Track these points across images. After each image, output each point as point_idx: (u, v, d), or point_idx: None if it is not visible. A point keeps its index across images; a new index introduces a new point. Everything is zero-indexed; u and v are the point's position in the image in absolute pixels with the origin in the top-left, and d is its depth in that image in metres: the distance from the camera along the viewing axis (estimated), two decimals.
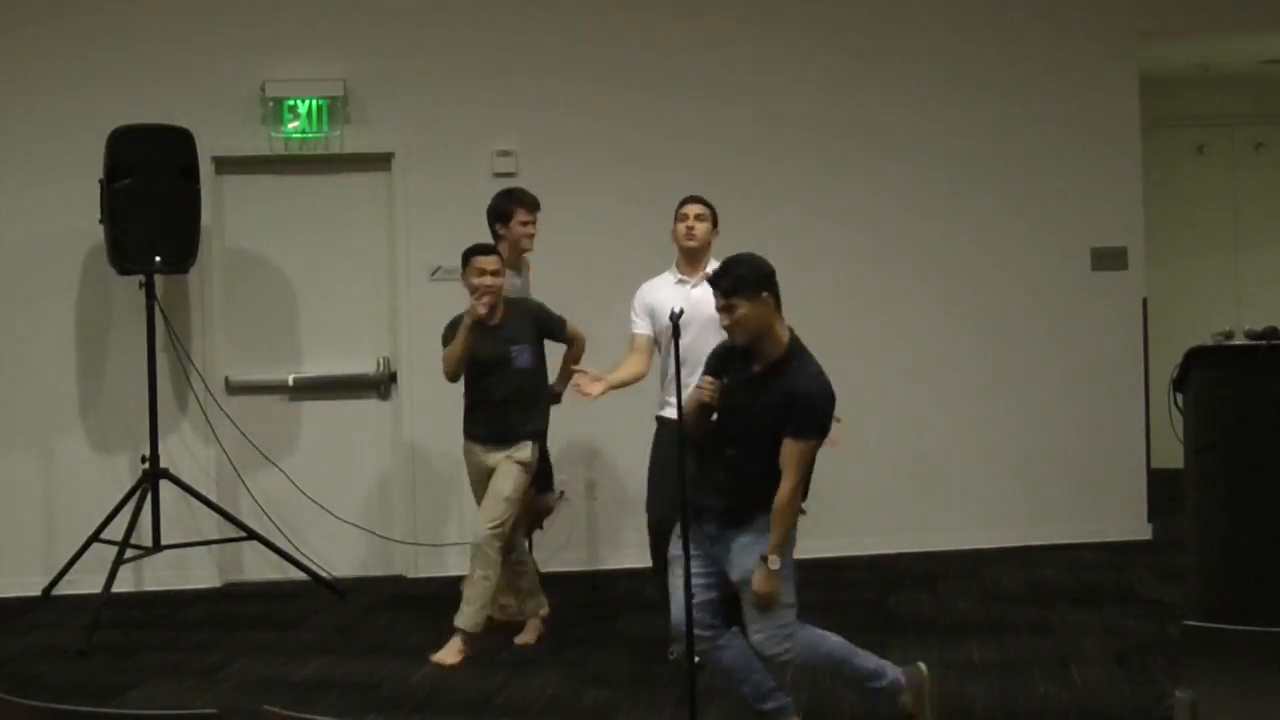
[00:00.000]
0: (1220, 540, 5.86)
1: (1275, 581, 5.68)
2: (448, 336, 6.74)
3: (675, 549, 5.16)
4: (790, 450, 4.99)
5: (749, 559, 5.09)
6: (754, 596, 5.07)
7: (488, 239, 6.95)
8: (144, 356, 7.78)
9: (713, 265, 6.42)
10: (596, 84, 8.52)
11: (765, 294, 5.11)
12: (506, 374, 6.68)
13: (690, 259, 6.47)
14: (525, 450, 6.67)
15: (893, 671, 5.26)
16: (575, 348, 6.91)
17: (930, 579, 7.90)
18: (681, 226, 6.46)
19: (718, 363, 5.27)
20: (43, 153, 8.20)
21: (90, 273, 8.17)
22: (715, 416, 5.18)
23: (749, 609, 5.14)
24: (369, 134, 8.41)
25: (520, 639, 6.82)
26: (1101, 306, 8.76)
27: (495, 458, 6.67)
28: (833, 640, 5.24)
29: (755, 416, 5.07)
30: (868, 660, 5.26)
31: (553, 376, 6.97)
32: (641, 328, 6.49)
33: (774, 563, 5.02)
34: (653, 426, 6.52)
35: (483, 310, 6.49)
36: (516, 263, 7.12)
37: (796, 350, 5.15)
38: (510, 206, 7.14)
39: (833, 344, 8.48)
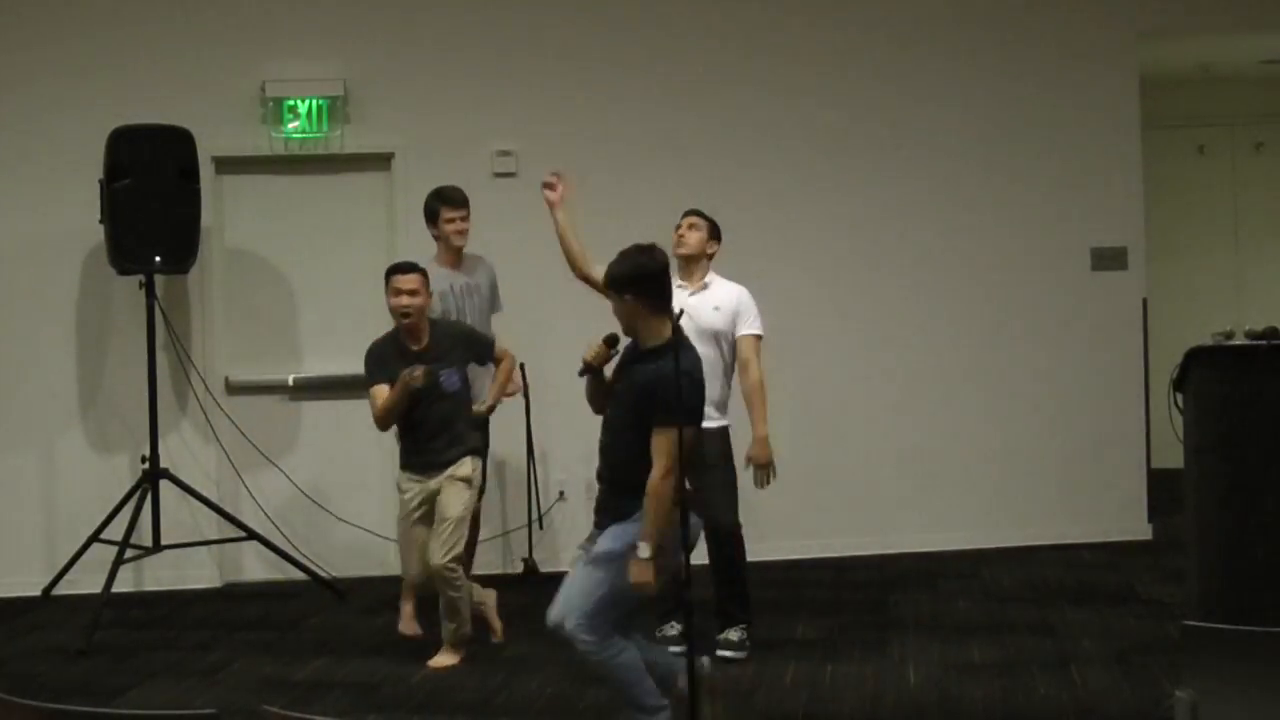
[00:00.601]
0: (1220, 540, 5.85)
1: (1275, 581, 5.68)
2: (372, 370, 6.51)
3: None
4: (654, 439, 4.96)
5: (610, 541, 5.07)
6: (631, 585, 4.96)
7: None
8: (144, 356, 7.78)
9: (716, 280, 6.56)
10: (597, 84, 8.52)
11: (629, 296, 5.11)
12: (434, 399, 6.48)
13: (686, 267, 6.65)
14: (465, 467, 6.52)
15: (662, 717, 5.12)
16: (505, 364, 6.89)
17: (930, 579, 7.90)
18: (675, 235, 6.67)
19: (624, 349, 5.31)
20: (43, 153, 8.21)
21: (90, 273, 8.18)
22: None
23: (568, 584, 5.13)
24: (369, 134, 8.41)
25: (436, 662, 6.48)
26: (1101, 306, 8.76)
27: (436, 481, 6.51)
28: (632, 654, 5.13)
29: (619, 403, 5.15)
30: (648, 696, 5.12)
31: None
32: None
33: (644, 550, 4.92)
34: None
35: (419, 382, 6.25)
36: (458, 262, 7.16)
37: (671, 346, 4.99)
38: (436, 206, 7.21)
39: (833, 344, 8.57)
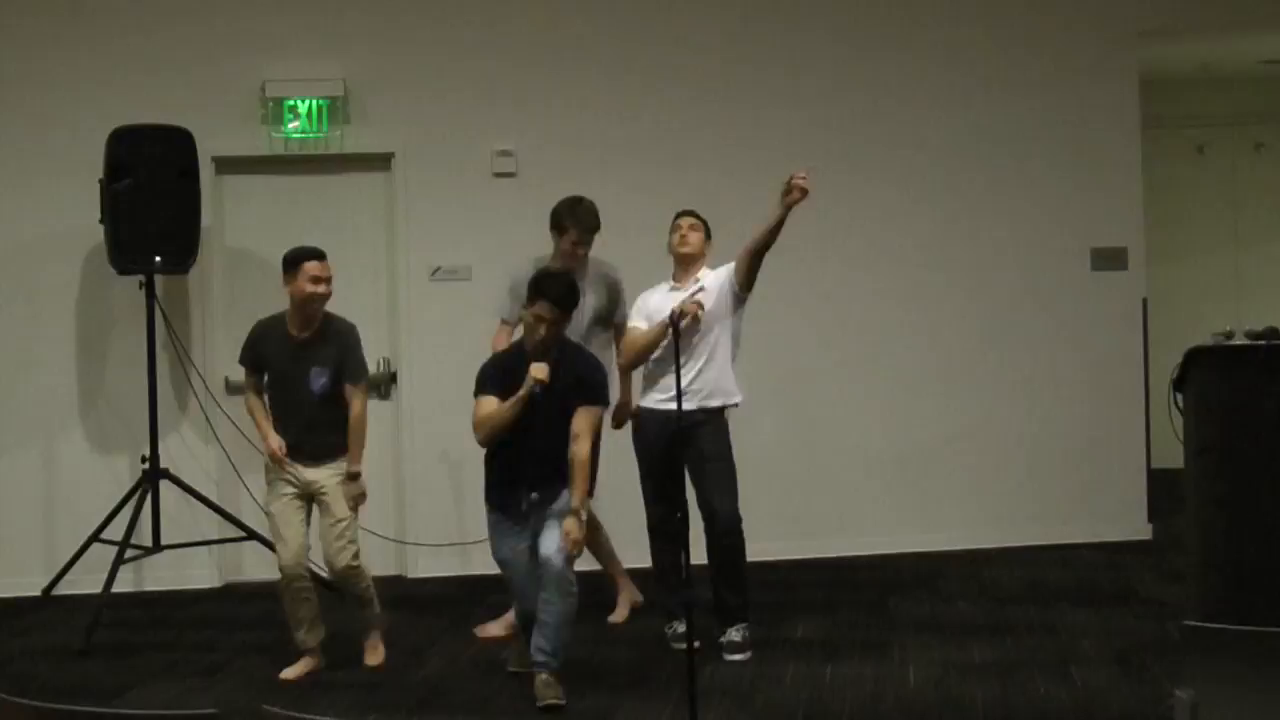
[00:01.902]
0: (1220, 540, 5.85)
1: (1275, 581, 5.68)
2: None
3: (505, 551, 6.02)
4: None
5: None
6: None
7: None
8: (144, 356, 7.78)
9: (705, 273, 6.59)
10: (597, 84, 8.52)
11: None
12: (301, 392, 6.41)
13: (684, 266, 6.72)
14: (341, 465, 6.46)
15: None
16: (357, 408, 6.48)
17: (930, 579, 7.90)
18: (675, 236, 6.73)
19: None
20: (43, 153, 8.21)
21: (90, 273, 8.18)
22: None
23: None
24: (369, 134, 8.41)
25: (288, 673, 6.42)
26: (1101, 306, 8.76)
27: (315, 474, 6.42)
28: None
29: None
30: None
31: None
32: (640, 325, 6.77)
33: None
34: None
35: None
36: (581, 274, 6.85)
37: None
38: (565, 222, 6.91)
39: (833, 344, 8.57)
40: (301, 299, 6.39)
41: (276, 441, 6.39)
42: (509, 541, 6.00)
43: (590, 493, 6.09)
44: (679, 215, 6.80)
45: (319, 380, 6.42)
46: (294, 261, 6.41)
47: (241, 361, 6.59)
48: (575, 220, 6.92)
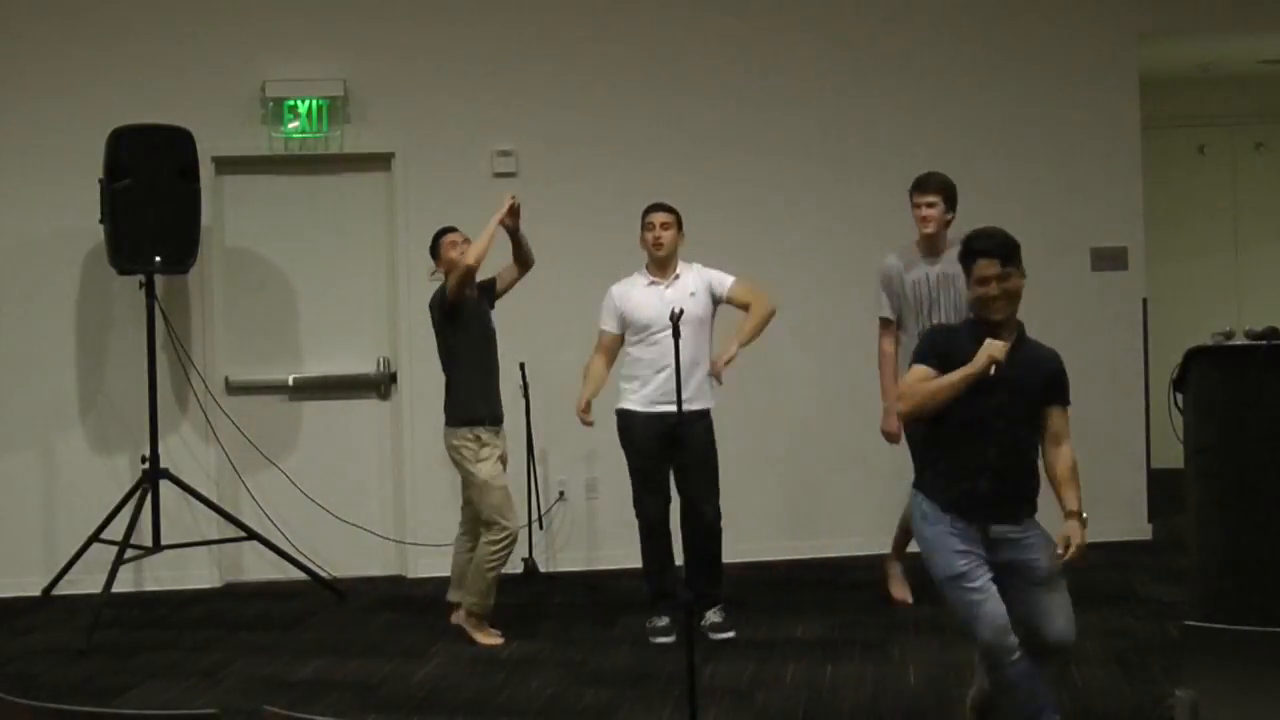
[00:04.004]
0: (1220, 540, 5.85)
1: (1275, 581, 5.68)
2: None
3: (966, 563, 4.91)
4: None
5: (1046, 548, 4.93)
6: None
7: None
8: (144, 356, 7.78)
9: (682, 267, 6.64)
10: (597, 84, 8.52)
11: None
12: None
13: (659, 264, 6.79)
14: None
15: None
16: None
17: (930, 579, 7.86)
18: (649, 236, 6.77)
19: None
20: (43, 153, 8.20)
21: (90, 273, 8.18)
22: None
23: (1058, 602, 4.90)
24: (369, 134, 8.41)
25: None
26: (1101, 306, 8.76)
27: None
28: None
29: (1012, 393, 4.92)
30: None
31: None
32: (610, 327, 6.85)
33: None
34: None
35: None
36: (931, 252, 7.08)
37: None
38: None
39: (832, 344, 8.56)
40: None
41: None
42: (964, 556, 4.95)
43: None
44: (649, 211, 6.81)
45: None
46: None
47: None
48: None
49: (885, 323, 7.10)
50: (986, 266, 4.89)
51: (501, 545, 6.72)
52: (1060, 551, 4.79)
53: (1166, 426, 6.10)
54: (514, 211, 6.77)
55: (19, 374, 8.23)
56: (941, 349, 4.96)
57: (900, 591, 7.35)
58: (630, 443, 6.77)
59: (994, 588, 4.83)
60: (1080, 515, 4.87)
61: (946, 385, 4.85)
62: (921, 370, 4.93)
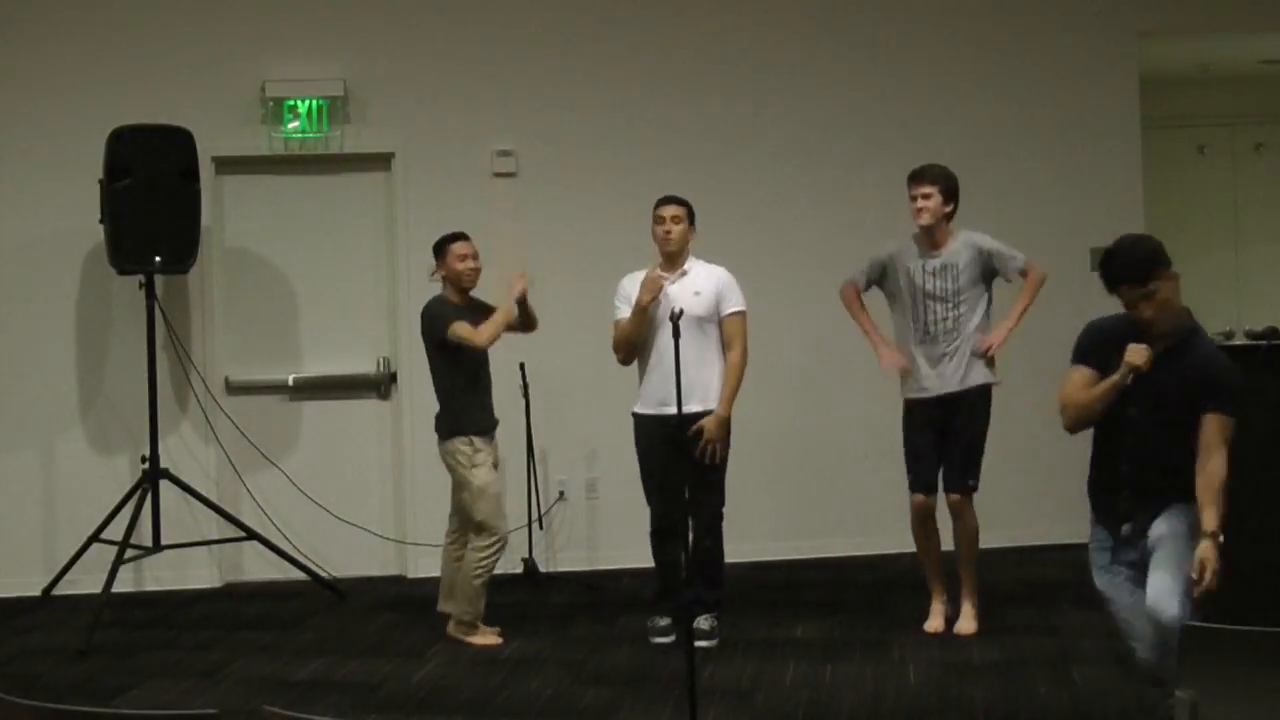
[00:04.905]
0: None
1: (1275, 581, 5.68)
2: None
3: (1107, 579, 4.92)
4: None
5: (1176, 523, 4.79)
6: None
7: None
8: (144, 356, 7.78)
9: (694, 263, 6.59)
10: (596, 83, 8.52)
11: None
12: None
13: (668, 258, 6.71)
14: None
15: None
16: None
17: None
18: (659, 230, 6.69)
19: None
20: (43, 153, 8.21)
21: (90, 273, 8.18)
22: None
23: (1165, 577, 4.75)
24: (369, 134, 8.41)
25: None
26: (1101, 306, 8.71)
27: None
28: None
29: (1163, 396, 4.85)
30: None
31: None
32: (625, 314, 6.74)
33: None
34: None
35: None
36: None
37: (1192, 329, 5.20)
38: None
39: (832, 343, 8.55)
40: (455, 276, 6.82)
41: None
42: (1107, 572, 4.98)
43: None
44: (660, 203, 6.74)
45: None
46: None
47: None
48: None
49: (850, 281, 6.92)
50: (1128, 292, 4.86)
51: (491, 551, 6.71)
52: (1195, 577, 4.52)
53: None
54: (524, 292, 6.79)
55: (19, 374, 8.23)
56: (1100, 346, 4.96)
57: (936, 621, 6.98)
58: (637, 444, 6.76)
59: (1136, 595, 4.80)
60: (1217, 537, 4.57)
61: (1099, 394, 4.91)
62: (1080, 376, 4.97)
